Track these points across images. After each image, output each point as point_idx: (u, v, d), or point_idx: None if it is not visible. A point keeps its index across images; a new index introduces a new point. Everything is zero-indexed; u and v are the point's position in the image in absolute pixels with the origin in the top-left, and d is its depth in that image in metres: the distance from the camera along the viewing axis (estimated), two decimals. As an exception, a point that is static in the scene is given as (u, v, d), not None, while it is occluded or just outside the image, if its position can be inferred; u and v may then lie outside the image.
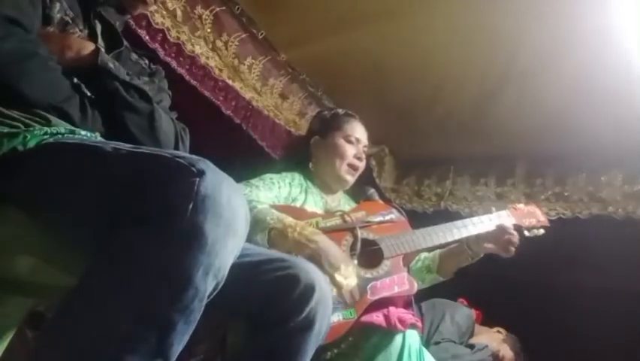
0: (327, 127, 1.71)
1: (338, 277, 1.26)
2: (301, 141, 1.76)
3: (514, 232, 1.63)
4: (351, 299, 1.29)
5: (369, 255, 1.48)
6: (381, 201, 1.68)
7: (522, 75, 2.42)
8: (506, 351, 2.47)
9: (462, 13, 2.16)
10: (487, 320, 2.61)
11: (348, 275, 1.30)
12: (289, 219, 1.31)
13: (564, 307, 2.75)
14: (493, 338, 2.50)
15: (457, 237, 1.60)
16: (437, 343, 2.17)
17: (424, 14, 2.20)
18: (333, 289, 1.25)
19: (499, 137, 2.89)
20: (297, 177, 1.63)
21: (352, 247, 1.44)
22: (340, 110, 1.77)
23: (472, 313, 2.49)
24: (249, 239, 1.26)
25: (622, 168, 2.78)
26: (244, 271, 0.89)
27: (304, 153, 1.71)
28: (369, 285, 1.39)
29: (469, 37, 2.27)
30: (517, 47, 2.26)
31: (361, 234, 1.48)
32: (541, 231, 1.76)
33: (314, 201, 1.61)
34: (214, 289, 0.66)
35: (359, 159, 1.68)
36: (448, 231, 1.59)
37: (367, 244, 1.49)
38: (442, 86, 2.63)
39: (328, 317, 0.98)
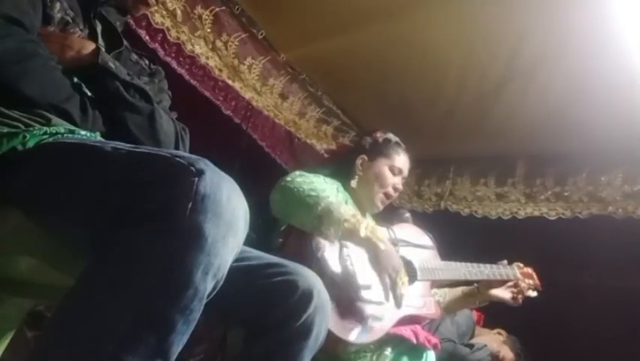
0: (376, 151, 1.75)
1: (398, 280, 1.33)
2: (348, 155, 1.79)
3: (524, 287, 1.79)
4: (401, 302, 1.36)
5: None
6: (415, 226, 1.76)
7: (522, 76, 2.42)
8: (506, 352, 2.47)
9: (462, 13, 2.16)
10: (488, 320, 2.61)
11: (405, 281, 1.37)
12: (360, 216, 1.35)
13: (564, 307, 2.74)
14: (493, 339, 2.50)
15: (474, 278, 1.72)
16: None
17: (424, 14, 2.20)
18: (389, 289, 1.33)
19: (499, 137, 2.89)
20: (341, 186, 1.67)
21: None
22: (392, 137, 1.80)
23: (473, 313, 2.49)
24: (318, 227, 1.31)
25: (622, 168, 2.78)
26: (243, 275, 0.89)
27: (349, 167, 1.74)
28: (404, 299, 1.45)
29: (469, 37, 2.27)
30: (517, 47, 2.26)
31: (399, 251, 1.53)
32: (535, 293, 1.87)
33: None
34: (213, 289, 0.66)
35: (395, 190, 1.73)
36: (470, 271, 1.71)
37: (403, 261, 1.54)
38: (442, 86, 2.63)
39: (326, 324, 0.98)
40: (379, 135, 1.81)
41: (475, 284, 1.77)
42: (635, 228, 2.63)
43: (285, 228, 1.46)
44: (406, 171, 1.77)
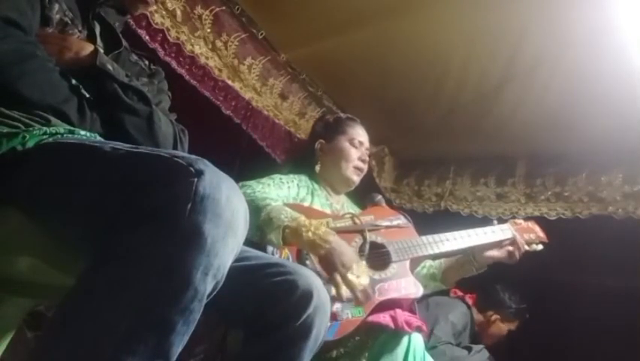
0: (331, 131, 1.75)
1: (350, 276, 1.28)
2: (306, 145, 1.79)
3: (521, 242, 1.70)
4: (363, 297, 1.31)
5: (377, 257, 1.50)
6: (388, 207, 1.71)
7: (522, 75, 2.41)
8: (511, 325, 2.54)
9: (462, 13, 2.15)
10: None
11: (360, 274, 1.31)
12: (303, 218, 1.32)
13: (564, 307, 2.75)
14: (497, 331, 2.53)
15: (462, 246, 1.64)
16: (434, 347, 2.15)
17: (424, 14, 2.20)
18: (343, 288, 1.28)
19: (499, 137, 2.89)
20: (304, 179, 1.66)
21: (361, 249, 1.46)
22: (342, 115, 1.81)
23: (467, 309, 2.47)
24: (263, 238, 1.28)
25: (622, 168, 2.78)
26: (242, 276, 0.89)
27: (309, 156, 1.73)
28: (377, 286, 1.42)
29: (470, 36, 2.27)
30: (517, 47, 2.26)
31: (370, 237, 1.50)
32: (540, 246, 1.80)
33: (320, 203, 1.63)
34: (213, 289, 0.66)
35: (363, 161, 1.73)
36: (453, 239, 1.63)
37: (375, 246, 1.51)
38: (442, 86, 2.63)
39: (325, 325, 0.98)
40: (329, 117, 1.82)
41: (468, 250, 1.68)
42: (635, 228, 2.63)
43: None
44: (366, 143, 1.76)
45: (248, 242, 0.84)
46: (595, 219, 2.82)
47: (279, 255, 1.33)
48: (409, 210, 3.36)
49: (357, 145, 1.72)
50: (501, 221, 1.81)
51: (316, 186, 1.67)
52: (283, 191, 1.53)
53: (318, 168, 1.70)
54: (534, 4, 2.03)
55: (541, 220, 2.93)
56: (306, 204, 1.59)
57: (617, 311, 2.50)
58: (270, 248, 1.33)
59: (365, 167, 1.75)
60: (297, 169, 1.70)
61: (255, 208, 1.32)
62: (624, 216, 2.74)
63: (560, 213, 2.93)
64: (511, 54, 2.30)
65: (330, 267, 1.28)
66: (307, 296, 0.93)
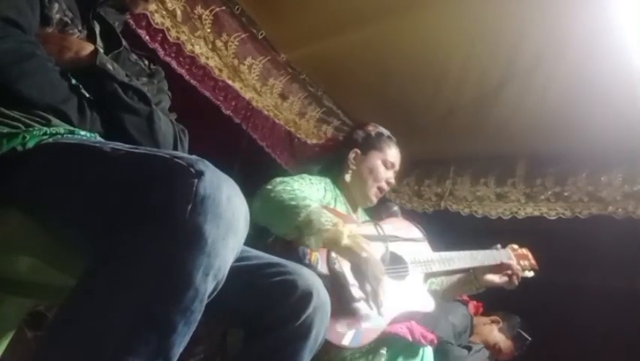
0: (369, 144, 1.74)
1: (379, 288, 1.29)
2: (340, 149, 1.77)
3: (518, 269, 1.78)
4: (383, 309, 1.33)
5: (396, 269, 1.52)
6: (403, 219, 1.73)
7: (522, 76, 2.42)
8: (503, 341, 2.49)
9: (461, 13, 2.16)
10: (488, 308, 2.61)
11: (385, 285, 1.33)
12: (341, 223, 1.33)
13: (564, 307, 2.75)
14: (488, 333, 2.50)
15: (469, 265, 1.71)
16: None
17: (424, 14, 2.20)
18: (370, 298, 1.30)
19: (499, 137, 2.90)
20: (329, 183, 1.66)
21: (382, 258, 1.46)
22: (385, 131, 1.79)
23: (468, 311, 2.47)
24: (299, 238, 1.29)
25: (622, 168, 2.78)
26: (242, 275, 0.89)
27: (340, 161, 1.72)
28: (396, 297, 1.43)
29: (469, 37, 2.27)
30: (517, 47, 2.26)
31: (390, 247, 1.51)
32: (532, 273, 1.88)
33: (341, 210, 1.62)
34: (214, 290, 0.66)
35: (388, 183, 1.73)
36: (462, 258, 1.70)
37: (394, 257, 1.53)
38: (442, 85, 2.63)
39: (325, 325, 0.98)
40: (371, 129, 1.79)
41: (471, 270, 1.75)
42: (635, 228, 2.63)
43: None
44: (397, 165, 1.77)
45: (248, 238, 0.83)
46: (595, 219, 2.82)
47: (309, 256, 1.33)
48: (409, 210, 3.37)
49: (388, 166, 1.72)
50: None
51: (338, 192, 1.67)
52: (313, 192, 1.53)
53: (348, 177, 1.69)
54: (534, 4, 2.03)
55: (541, 220, 2.96)
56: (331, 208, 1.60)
57: (617, 311, 2.51)
58: (300, 248, 1.33)
59: (388, 189, 1.75)
60: (324, 171, 1.70)
61: (295, 207, 1.33)
62: (624, 216, 2.74)
63: (560, 213, 2.93)
64: (511, 54, 2.30)
65: (363, 276, 1.29)
66: (307, 297, 0.93)
